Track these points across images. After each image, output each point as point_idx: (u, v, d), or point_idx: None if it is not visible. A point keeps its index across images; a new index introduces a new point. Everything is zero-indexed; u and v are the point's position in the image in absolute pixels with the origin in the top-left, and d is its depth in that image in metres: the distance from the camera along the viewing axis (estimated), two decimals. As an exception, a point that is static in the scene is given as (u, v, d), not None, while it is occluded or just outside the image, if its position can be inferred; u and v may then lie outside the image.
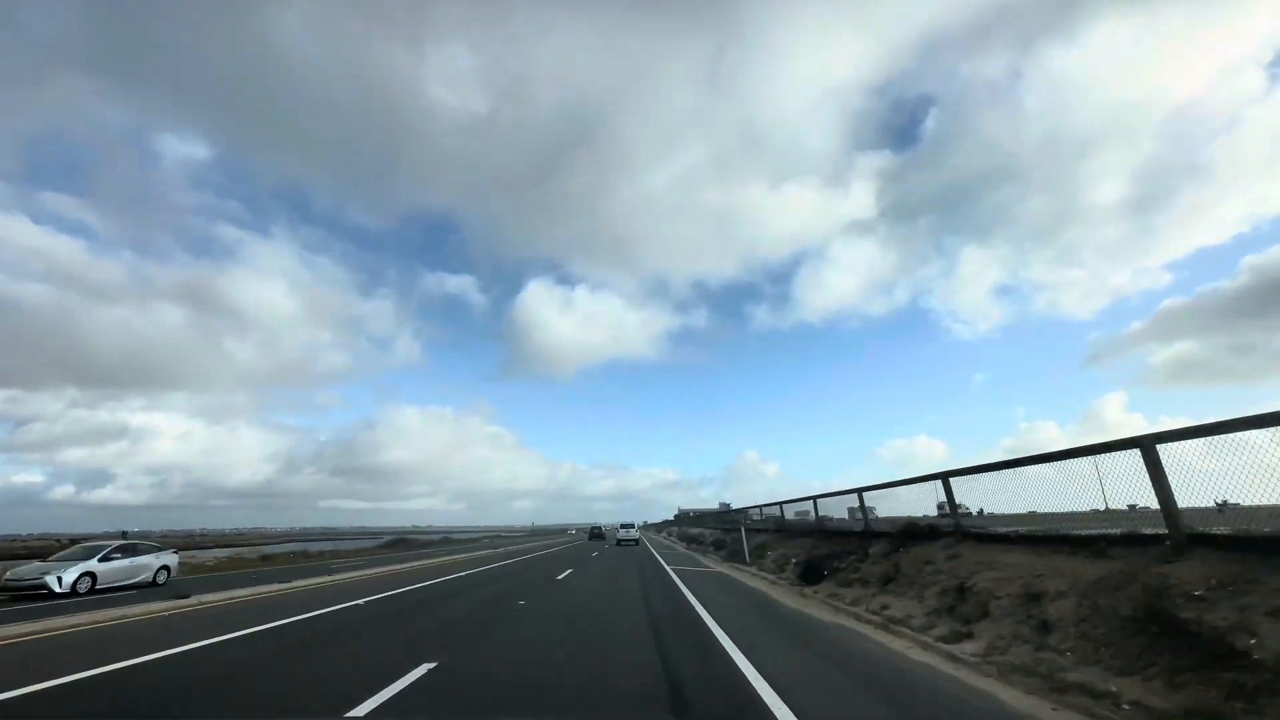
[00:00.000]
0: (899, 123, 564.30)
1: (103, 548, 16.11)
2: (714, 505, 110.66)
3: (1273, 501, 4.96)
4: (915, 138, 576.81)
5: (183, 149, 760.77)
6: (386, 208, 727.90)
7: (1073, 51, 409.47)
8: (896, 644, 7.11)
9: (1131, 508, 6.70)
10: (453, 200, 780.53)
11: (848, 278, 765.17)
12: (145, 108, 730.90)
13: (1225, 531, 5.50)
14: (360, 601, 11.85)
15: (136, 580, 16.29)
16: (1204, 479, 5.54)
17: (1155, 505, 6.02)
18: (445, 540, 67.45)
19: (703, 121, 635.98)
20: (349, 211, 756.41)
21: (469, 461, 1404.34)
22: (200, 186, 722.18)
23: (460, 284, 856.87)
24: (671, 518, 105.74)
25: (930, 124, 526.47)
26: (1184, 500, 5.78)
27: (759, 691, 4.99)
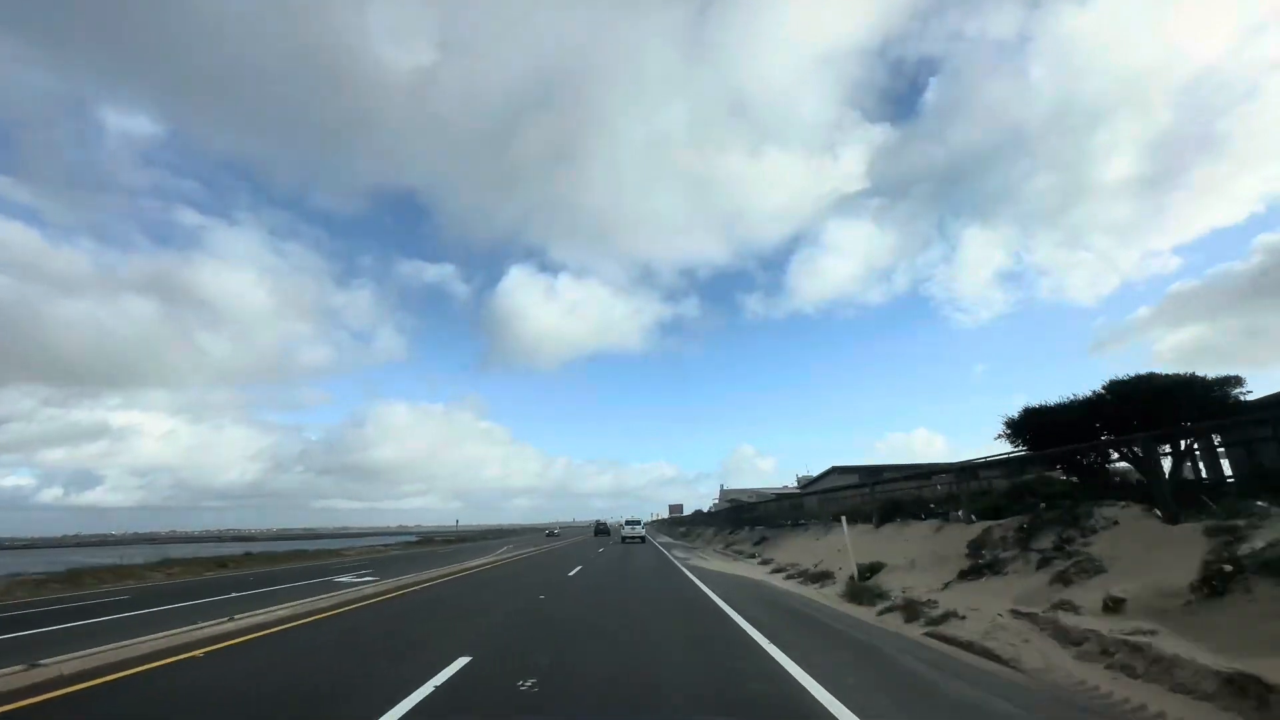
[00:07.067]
0: (898, 90, 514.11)
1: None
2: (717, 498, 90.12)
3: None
4: (916, 109, 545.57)
5: (125, 123, 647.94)
6: (351, 187, 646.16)
7: (1086, 12, 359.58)
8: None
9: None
10: (420, 179, 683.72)
11: (844, 263, 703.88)
12: (73, 74, 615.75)
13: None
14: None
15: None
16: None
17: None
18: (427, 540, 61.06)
19: (686, 89, 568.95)
20: (314, 193, 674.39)
21: (462, 458, 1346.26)
22: (151, 165, 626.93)
23: (440, 273, 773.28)
24: (707, 509, 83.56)
25: (931, 94, 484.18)
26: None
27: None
